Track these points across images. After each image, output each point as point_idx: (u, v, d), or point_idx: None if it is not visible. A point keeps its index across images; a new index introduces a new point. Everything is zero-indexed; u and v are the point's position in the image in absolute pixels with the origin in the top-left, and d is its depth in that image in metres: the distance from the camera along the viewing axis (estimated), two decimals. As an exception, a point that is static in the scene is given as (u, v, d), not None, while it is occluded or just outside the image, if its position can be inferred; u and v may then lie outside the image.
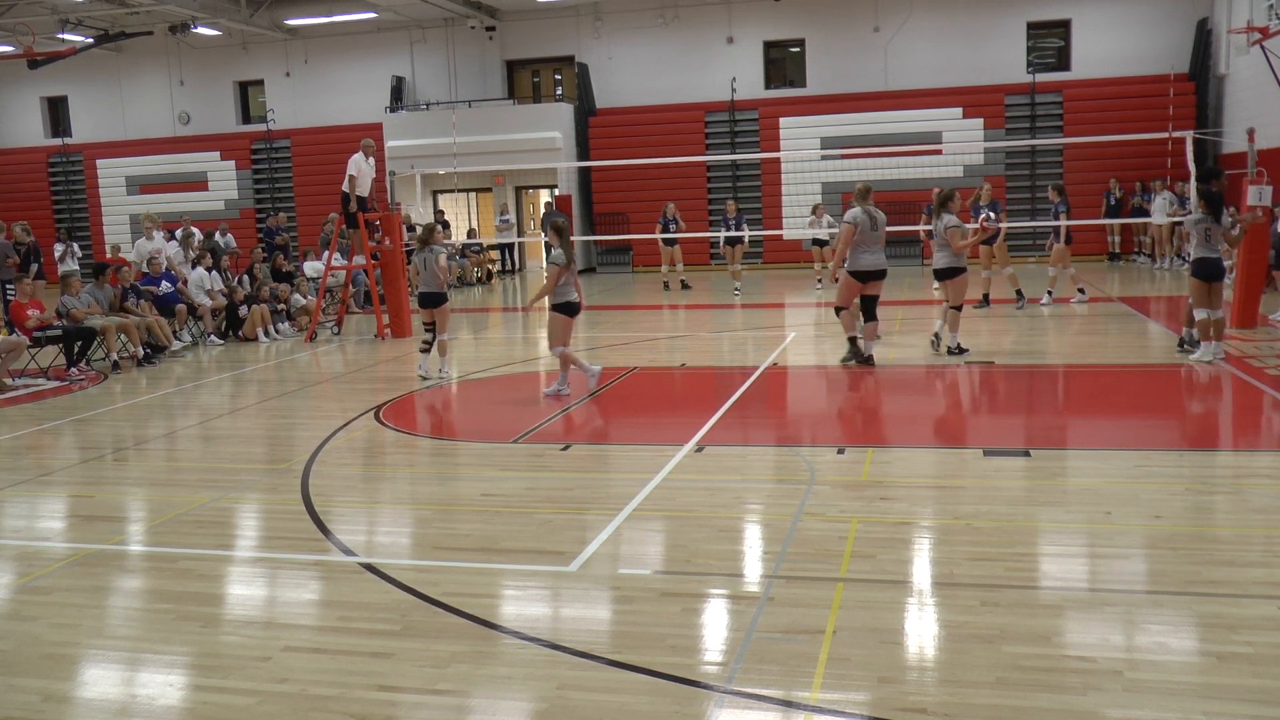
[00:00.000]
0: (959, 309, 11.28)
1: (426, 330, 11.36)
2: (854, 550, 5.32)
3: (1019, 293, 15.05)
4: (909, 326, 13.63)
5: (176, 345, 13.95)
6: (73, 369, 12.36)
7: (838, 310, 11.06)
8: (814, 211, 19.22)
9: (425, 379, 11.05)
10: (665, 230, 19.28)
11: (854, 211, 10.64)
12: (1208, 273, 10.20)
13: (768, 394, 9.99)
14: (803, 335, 13.67)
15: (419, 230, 11.51)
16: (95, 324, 12.76)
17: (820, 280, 18.69)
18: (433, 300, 11.15)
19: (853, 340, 10.89)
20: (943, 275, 11.31)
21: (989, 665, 4.01)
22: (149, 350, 13.29)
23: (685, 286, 19.69)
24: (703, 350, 12.71)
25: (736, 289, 18.70)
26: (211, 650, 4.47)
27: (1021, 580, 4.92)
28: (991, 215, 14.73)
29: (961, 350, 11.15)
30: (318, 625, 4.70)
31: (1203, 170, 9.46)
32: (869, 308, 10.81)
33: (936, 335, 11.55)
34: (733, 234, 19.01)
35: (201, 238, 17.95)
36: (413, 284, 16.25)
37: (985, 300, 15.09)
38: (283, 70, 27.50)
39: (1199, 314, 10.30)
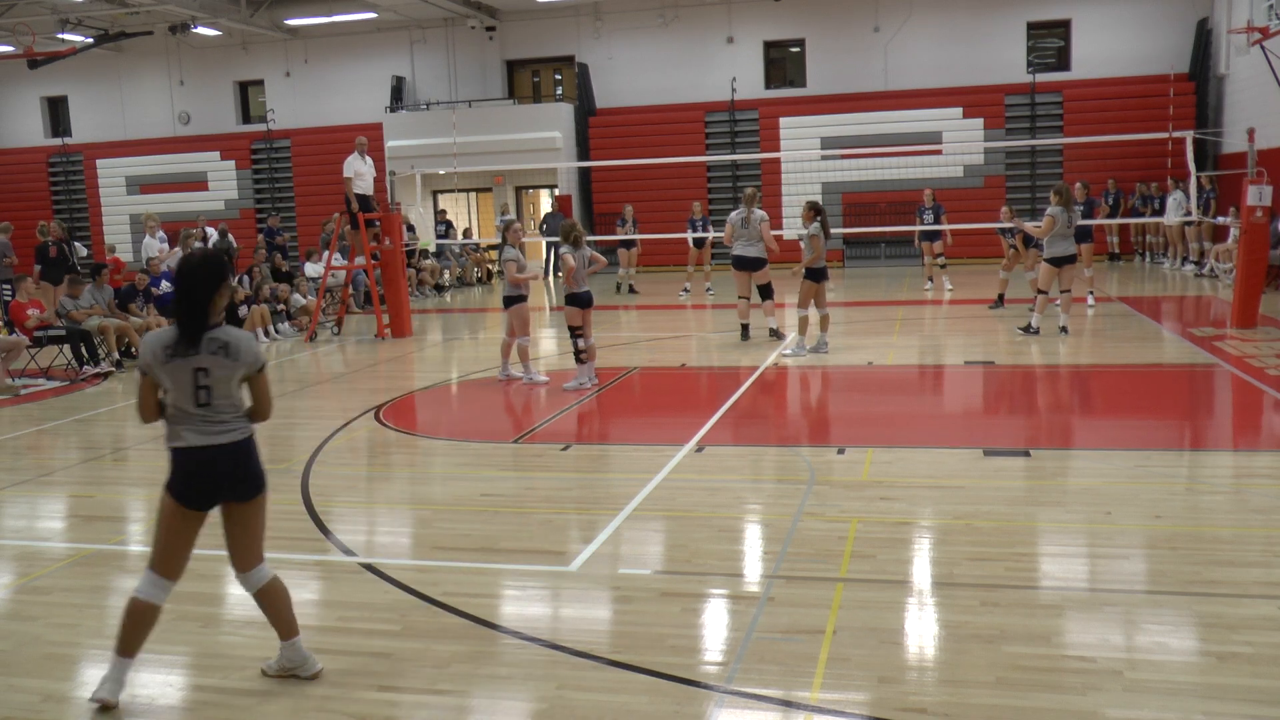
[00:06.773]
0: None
1: (575, 336, 10.20)
2: (854, 550, 5.32)
3: (1000, 297, 15.07)
4: (907, 327, 13.62)
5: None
6: (85, 367, 12.35)
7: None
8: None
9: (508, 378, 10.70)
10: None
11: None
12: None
13: (768, 394, 9.99)
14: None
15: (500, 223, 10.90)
16: (94, 324, 12.74)
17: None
18: (577, 299, 10.09)
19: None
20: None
21: (989, 665, 4.01)
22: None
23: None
24: (703, 350, 12.70)
25: (698, 288, 18.51)
26: (211, 650, 4.47)
27: (1021, 580, 4.92)
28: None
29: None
30: (318, 625, 4.69)
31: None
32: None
33: (1064, 328, 12.28)
34: (700, 235, 18.68)
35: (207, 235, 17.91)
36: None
37: (1000, 301, 15.05)
38: (283, 70, 27.49)
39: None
